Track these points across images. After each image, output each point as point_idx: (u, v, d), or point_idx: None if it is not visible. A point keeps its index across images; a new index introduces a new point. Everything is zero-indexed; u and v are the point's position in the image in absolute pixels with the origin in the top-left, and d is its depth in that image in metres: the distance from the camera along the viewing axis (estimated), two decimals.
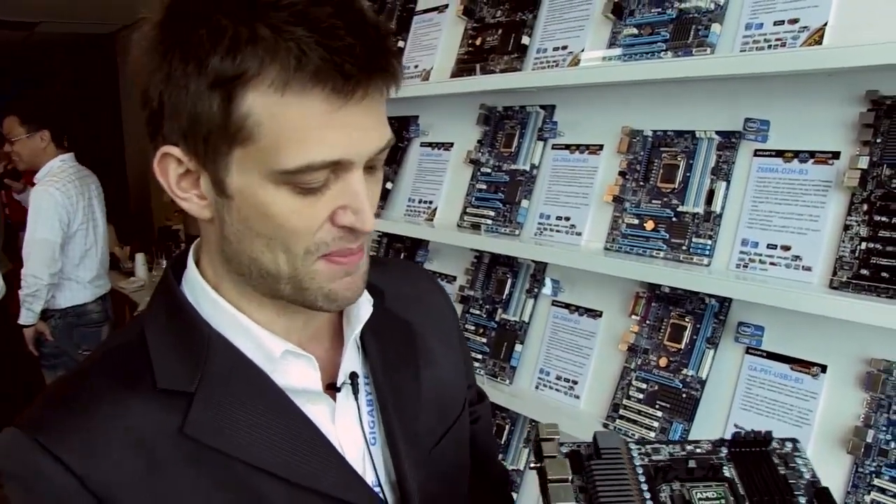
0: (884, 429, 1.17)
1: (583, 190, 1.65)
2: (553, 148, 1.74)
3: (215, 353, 0.70)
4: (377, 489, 0.75)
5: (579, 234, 1.63)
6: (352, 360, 0.79)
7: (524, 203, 1.75)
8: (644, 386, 1.48)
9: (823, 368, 1.25)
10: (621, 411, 1.50)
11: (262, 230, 0.66)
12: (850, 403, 1.22)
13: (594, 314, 1.63)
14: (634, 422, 1.47)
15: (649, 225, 1.49)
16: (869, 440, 1.18)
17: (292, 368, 0.73)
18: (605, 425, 1.51)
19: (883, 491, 1.15)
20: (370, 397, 0.79)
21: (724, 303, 1.39)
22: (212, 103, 0.61)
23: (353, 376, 0.77)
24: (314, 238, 0.66)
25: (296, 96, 0.61)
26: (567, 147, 1.70)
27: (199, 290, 0.73)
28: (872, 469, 1.17)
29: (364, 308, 0.78)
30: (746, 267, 1.34)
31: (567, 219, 1.66)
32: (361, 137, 0.64)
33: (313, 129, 0.62)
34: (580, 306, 1.65)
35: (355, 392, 0.77)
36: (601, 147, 1.63)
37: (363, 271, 0.71)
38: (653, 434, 1.43)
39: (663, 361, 1.46)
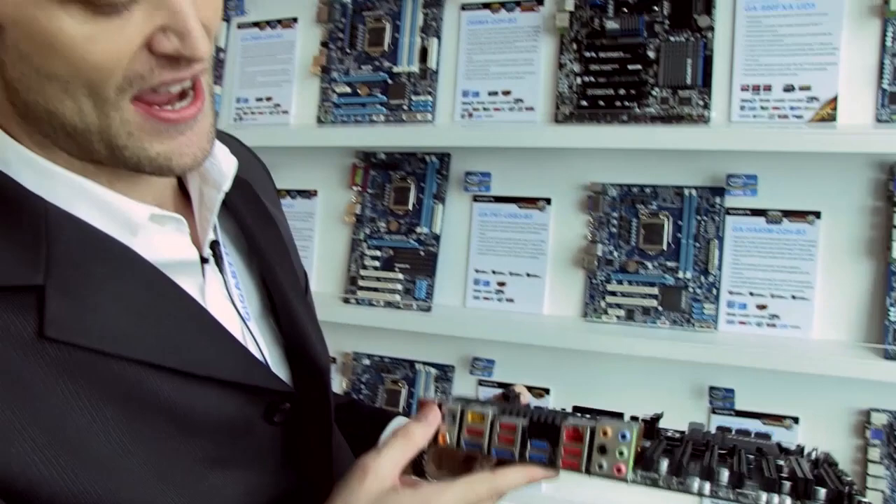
0: (607, 241, 1.31)
1: (282, 67, 1.53)
2: (239, 27, 1.59)
3: (59, 231, 0.50)
4: None
5: (286, 112, 1.52)
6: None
7: (217, 89, 1.57)
8: (378, 253, 1.44)
9: (549, 201, 1.35)
10: (360, 282, 1.44)
11: (53, 70, 0.47)
12: (577, 226, 1.33)
13: (308, 194, 1.53)
14: (375, 290, 1.42)
15: (363, 90, 1.45)
16: (599, 254, 1.30)
17: (156, 238, 0.56)
18: (346, 300, 1.43)
19: (614, 294, 1.29)
20: (233, 269, 0.64)
21: (445, 158, 1.42)
22: None
23: (214, 245, 0.62)
24: (125, 70, 0.47)
25: None
26: (256, 25, 1.57)
27: (12, 155, 0.51)
28: (603, 278, 1.30)
29: (227, 162, 0.61)
30: (471, 116, 1.38)
31: (269, 99, 1.53)
32: None
33: None
34: (292, 189, 1.54)
35: (219, 263, 0.62)
36: (295, 20, 1.54)
37: (206, 125, 0.54)
38: (398, 297, 1.40)
39: (394, 226, 1.43)
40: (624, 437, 0.56)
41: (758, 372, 1.20)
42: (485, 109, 1.37)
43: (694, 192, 1.27)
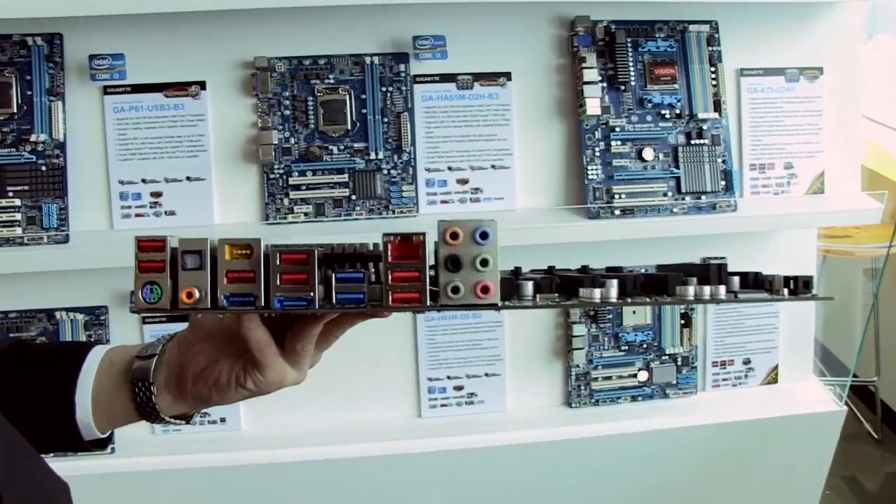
0: (280, 127, 1.08)
1: None
2: None
3: None
4: None
5: None
6: None
7: None
8: None
9: (202, 85, 1.08)
10: None
11: None
12: (241, 112, 1.09)
13: None
14: None
15: None
16: (274, 142, 1.07)
17: None
18: None
19: (297, 188, 1.08)
20: None
21: (55, 39, 1.07)
22: None
23: None
24: None
25: None
26: None
27: None
28: (282, 171, 1.08)
29: None
30: None
31: None
32: None
33: None
34: None
35: None
36: None
37: None
38: (18, 230, 1.05)
39: None
40: (484, 236, 0.37)
41: None
42: None
43: (376, 60, 1.09)
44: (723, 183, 1.13)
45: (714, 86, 1.13)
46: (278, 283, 0.37)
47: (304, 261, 0.37)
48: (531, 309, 0.38)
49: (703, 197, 1.12)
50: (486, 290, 0.37)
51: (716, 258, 1.18)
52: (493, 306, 0.37)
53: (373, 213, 1.08)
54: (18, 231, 1.06)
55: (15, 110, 1.06)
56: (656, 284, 0.40)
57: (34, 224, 1.06)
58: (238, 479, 1.11)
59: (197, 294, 0.37)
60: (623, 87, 1.11)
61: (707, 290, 0.38)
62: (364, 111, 1.08)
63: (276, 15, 1.06)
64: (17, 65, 1.07)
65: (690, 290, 0.38)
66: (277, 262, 0.37)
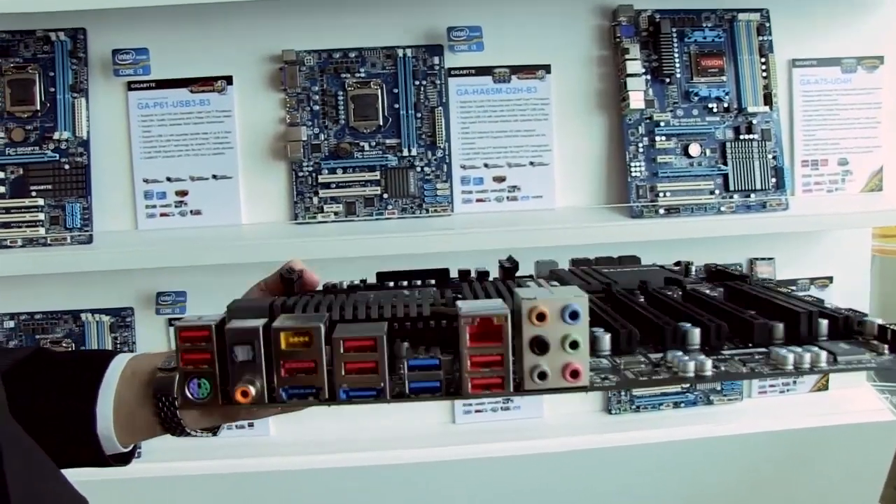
0: (310, 123, 1.04)
1: None
2: None
3: None
4: None
5: None
6: None
7: None
8: (1, 175, 1.03)
9: (229, 80, 1.04)
10: None
11: None
12: (269, 108, 1.05)
13: None
14: (7, 226, 1.02)
15: None
16: (303, 138, 1.03)
17: None
18: None
19: (327, 186, 1.03)
20: None
21: (78, 34, 1.04)
22: None
23: None
24: None
25: None
26: None
27: None
28: (312, 168, 1.04)
29: None
30: None
31: None
32: None
33: None
34: None
35: None
36: None
37: None
38: (41, 230, 1.02)
39: (18, 134, 1.03)
40: (574, 316, 0.31)
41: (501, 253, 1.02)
42: None
43: (409, 53, 1.04)
44: (773, 180, 1.07)
45: (764, 78, 1.07)
46: (343, 373, 0.33)
47: (372, 347, 0.32)
48: (618, 388, 0.33)
49: (753, 195, 1.06)
50: (575, 374, 0.32)
51: (764, 259, 1.12)
52: (582, 388, 0.32)
53: (405, 211, 1.03)
54: (42, 231, 1.03)
55: (38, 108, 1.03)
56: (740, 330, 0.36)
57: (57, 224, 1.04)
58: (267, 486, 1.07)
59: (253, 391, 0.32)
60: (668, 80, 1.05)
61: (808, 358, 0.33)
62: (396, 106, 1.03)
63: (305, 6, 1.02)
64: (40, 61, 1.04)
65: (790, 359, 0.33)
66: (341, 350, 0.33)
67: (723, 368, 0.33)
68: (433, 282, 0.49)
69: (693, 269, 0.53)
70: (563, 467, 1.11)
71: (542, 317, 0.31)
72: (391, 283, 0.49)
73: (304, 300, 0.39)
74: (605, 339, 0.35)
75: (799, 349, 0.33)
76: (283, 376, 0.33)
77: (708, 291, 0.46)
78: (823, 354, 0.33)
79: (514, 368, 0.32)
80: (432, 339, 0.35)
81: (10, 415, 0.44)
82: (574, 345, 0.32)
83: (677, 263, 0.53)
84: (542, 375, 0.32)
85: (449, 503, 1.12)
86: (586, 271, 0.50)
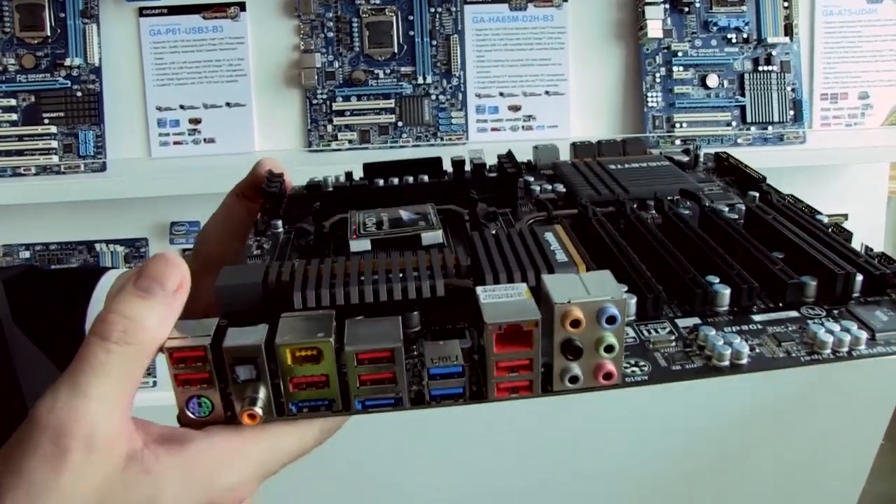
0: (324, 50, 1.03)
1: None
2: None
3: None
4: None
5: None
6: None
7: None
8: (13, 102, 1.03)
9: (242, 6, 1.03)
10: None
11: None
12: (283, 35, 1.03)
13: None
14: (20, 153, 1.02)
15: None
16: (317, 65, 1.02)
17: None
18: None
19: (342, 113, 1.02)
20: None
21: None
22: None
23: None
24: None
25: None
26: None
27: None
28: (326, 96, 1.03)
29: None
30: None
31: None
32: None
33: None
34: None
35: None
36: None
37: None
38: (55, 158, 1.02)
39: (28, 61, 1.02)
40: (612, 321, 0.29)
41: None
42: None
43: None
44: (791, 113, 1.05)
45: (785, 8, 1.05)
46: (357, 384, 0.30)
47: (389, 358, 0.29)
48: (651, 383, 0.30)
49: (770, 127, 1.05)
50: (609, 376, 0.30)
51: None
52: (614, 387, 0.30)
53: (420, 140, 1.02)
54: (55, 159, 1.03)
55: (49, 34, 1.02)
56: (769, 283, 0.34)
57: (70, 152, 1.03)
58: None
59: (260, 413, 0.30)
60: (686, 9, 1.04)
61: (847, 339, 0.31)
62: (412, 33, 1.02)
63: None
64: None
65: (829, 342, 0.31)
66: (355, 364, 0.30)
67: (758, 351, 0.32)
68: (426, 177, 0.47)
69: (701, 156, 0.52)
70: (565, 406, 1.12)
71: (576, 323, 0.29)
72: (381, 182, 0.47)
73: (301, 269, 0.33)
74: (631, 304, 0.33)
75: (836, 327, 0.32)
76: (291, 391, 0.30)
77: (725, 208, 0.44)
78: (864, 335, 0.31)
79: (542, 371, 0.30)
80: (446, 316, 0.33)
81: (13, 322, 0.44)
82: (609, 349, 0.29)
83: (685, 151, 0.52)
84: (574, 380, 0.30)
85: (457, 441, 1.14)
86: (591, 167, 0.48)
